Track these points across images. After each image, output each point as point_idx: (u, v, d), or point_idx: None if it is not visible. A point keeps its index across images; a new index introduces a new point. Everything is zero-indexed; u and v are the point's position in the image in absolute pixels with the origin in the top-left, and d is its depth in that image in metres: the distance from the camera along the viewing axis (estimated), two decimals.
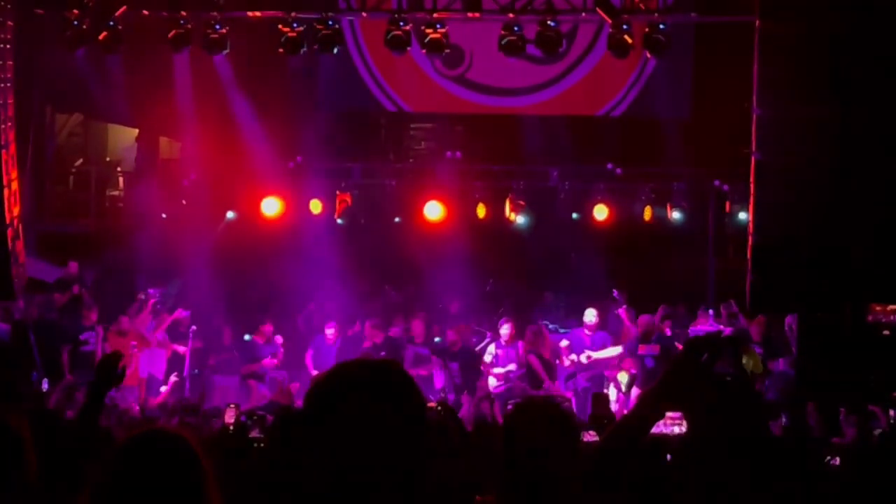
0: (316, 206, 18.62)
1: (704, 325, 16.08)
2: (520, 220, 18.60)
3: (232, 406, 11.99)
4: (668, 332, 15.67)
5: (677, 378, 3.09)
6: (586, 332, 16.06)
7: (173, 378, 15.57)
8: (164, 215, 19.05)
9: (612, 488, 3.17)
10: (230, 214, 19.05)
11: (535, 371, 15.30)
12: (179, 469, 2.79)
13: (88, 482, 2.80)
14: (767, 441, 3.06)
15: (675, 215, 18.23)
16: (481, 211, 18.64)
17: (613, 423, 3.33)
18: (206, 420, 12.54)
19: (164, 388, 15.45)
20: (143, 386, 15.73)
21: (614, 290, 16.80)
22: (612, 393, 15.31)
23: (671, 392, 3.09)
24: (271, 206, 18.29)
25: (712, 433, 2.98)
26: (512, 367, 15.75)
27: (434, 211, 18.44)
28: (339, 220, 18.66)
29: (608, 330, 17.43)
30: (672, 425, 10.55)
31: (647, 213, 18.42)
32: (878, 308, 14.02)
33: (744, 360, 13.75)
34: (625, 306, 16.40)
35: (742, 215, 16.70)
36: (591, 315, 16.12)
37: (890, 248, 13.47)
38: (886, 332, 14.11)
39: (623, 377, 15.67)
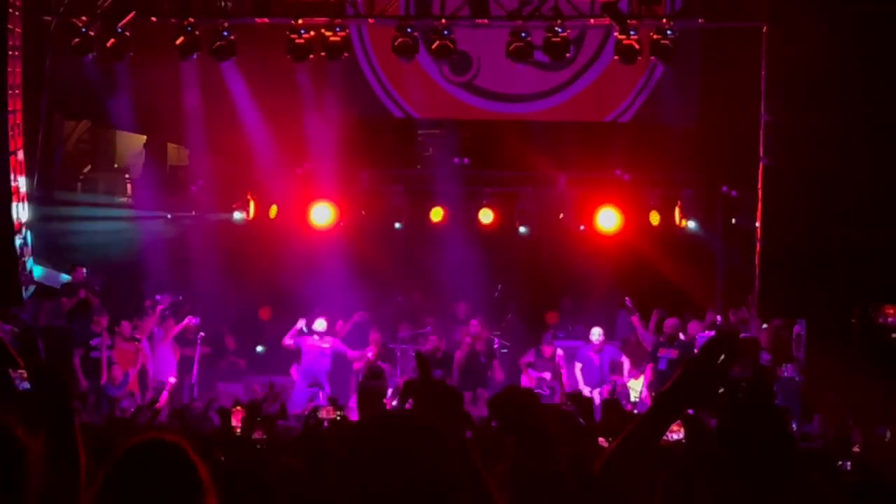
0: (320, 214, 18.65)
1: (696, 329, 16.08)
2: (522, 229, 18.73)
3: (239, 408, 12.00)
4: (683, 338, 15.73)
5: (693, 378, 3.07)
6: (593, 352, 16.10)
7: (171, 380, 15.58)
8: (169, 215, 19.10)
9: (627, 490, 3.15)
10: (237, 215, 19.10)
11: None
12: (177, 477, 2.77)
13: (89, 490, 2.79)
14: (787, 440, 3.06)
15: (688, 223, 18.32)
16: (486, 216, 18.65)
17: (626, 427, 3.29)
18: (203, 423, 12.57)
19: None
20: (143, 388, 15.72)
21: (626, 299, 16.75)
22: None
23: (687, 392, 3.07)
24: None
25: (728, 433, 2.97)
26: (547, 375, 15.99)
27: (440, 216, 18.58)
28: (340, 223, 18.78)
29: (616, 337, 17.41)
30: (669, 433, 10.46)
31: (655, 219, 18.42)
32: (890, 311, 13.96)
33: None
34: (637, 314, 16.40)
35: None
36: (596, 335, 16.20)
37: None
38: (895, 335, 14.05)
39: (635, 384, 15.69)
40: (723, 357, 3.06)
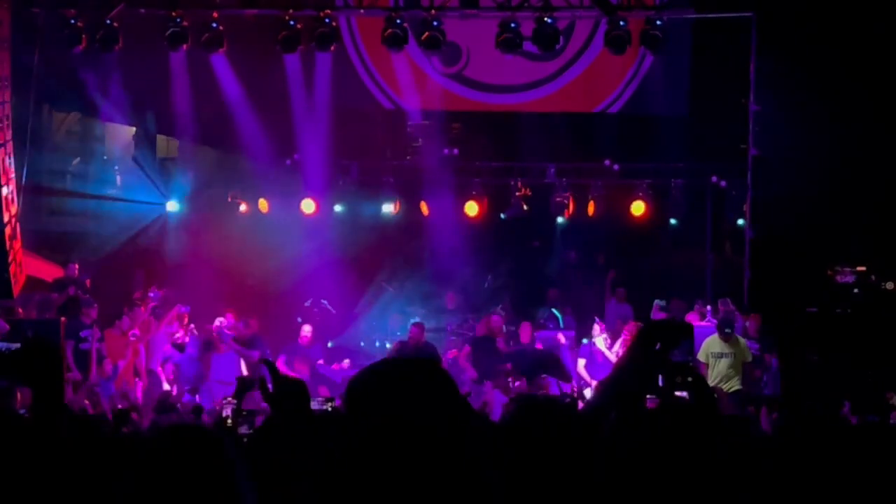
0: (308, 206, 18.70)
1: (695, 321, 15.83)
2: (502, 215, 18.80)
3: (229, 400, 11.95)
4: None
5: (632, 366, 3.07)
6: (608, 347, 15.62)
7: (165, 387, 15.52)
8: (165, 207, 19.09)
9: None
10: (242, 207, 19.19)
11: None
12: (209, 457, 2.72)
13: (118, 483, 2.76)
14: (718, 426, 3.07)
15: (671, 219, 18.42)
16: (472, 209, 18.69)
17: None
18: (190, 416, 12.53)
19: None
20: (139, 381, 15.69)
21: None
22: None
23: (626, 380, 3.06)
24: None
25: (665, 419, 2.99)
26: None
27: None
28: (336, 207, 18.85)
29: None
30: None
31: (639, 209, 18.43)
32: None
33: (732, 350, 13.67)
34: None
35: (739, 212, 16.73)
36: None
37: (886, 242, 13.51)
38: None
39: None
40: (659, 344, 3.06)
